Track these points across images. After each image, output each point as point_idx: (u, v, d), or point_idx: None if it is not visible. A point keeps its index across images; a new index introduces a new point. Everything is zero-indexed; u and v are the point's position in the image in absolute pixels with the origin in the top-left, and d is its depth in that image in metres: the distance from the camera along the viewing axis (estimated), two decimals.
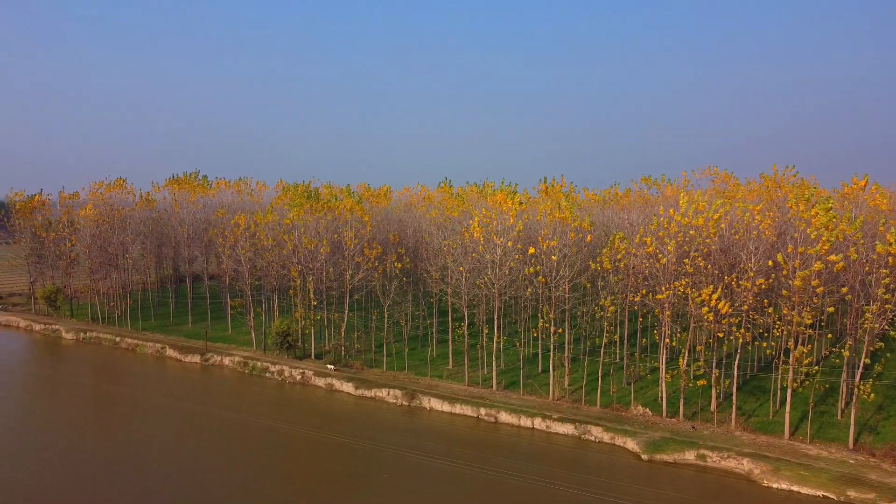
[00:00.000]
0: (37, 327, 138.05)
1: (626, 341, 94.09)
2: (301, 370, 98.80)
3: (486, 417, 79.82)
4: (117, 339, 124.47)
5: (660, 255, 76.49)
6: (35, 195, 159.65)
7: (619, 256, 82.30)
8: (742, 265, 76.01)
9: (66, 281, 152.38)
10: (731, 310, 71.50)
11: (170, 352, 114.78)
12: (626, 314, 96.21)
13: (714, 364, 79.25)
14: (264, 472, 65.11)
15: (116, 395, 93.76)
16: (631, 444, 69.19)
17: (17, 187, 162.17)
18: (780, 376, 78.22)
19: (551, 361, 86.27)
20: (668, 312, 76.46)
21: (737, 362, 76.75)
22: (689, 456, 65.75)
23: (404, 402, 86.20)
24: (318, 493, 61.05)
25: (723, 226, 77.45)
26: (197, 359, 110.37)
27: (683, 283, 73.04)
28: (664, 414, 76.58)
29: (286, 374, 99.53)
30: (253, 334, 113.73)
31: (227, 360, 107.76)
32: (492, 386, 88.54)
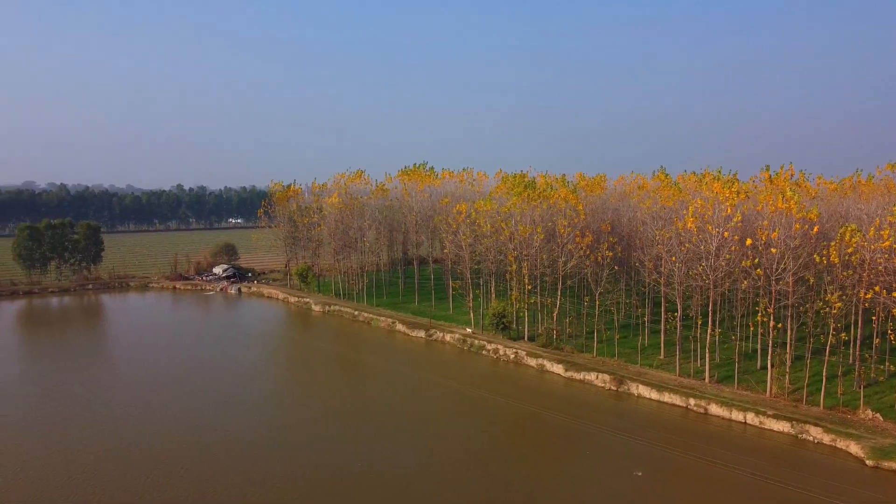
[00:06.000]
0: (292, 299, 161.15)
1: (858, 341, 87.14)
2: (514, 350, 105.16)
3: (694, 408, 79.57)
4: (355, 312, 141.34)
5: None
6: (290, 185, 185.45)
7: (849, 250, 76.63)
8: None
9: (314, 260, 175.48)
10: None
11: (399, 326, 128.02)
12: (861, 312, 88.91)
13: None
14: (474, 435, 72.02)
15: (356, 361, 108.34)
16: (854, 448, 65.22)
17: (276, 178, 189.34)
18: None
19: (769, 358, 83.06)
20: None
21: None
22: None
23: (612, 387, 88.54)
24: (523, 457, 66.49)
25: None
26: (422, 334, 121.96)
27: None
28: None
29: (500, 352, 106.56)
30: (471, 314, 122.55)
31: (448, 337, 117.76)
32: (704, 378, 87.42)
